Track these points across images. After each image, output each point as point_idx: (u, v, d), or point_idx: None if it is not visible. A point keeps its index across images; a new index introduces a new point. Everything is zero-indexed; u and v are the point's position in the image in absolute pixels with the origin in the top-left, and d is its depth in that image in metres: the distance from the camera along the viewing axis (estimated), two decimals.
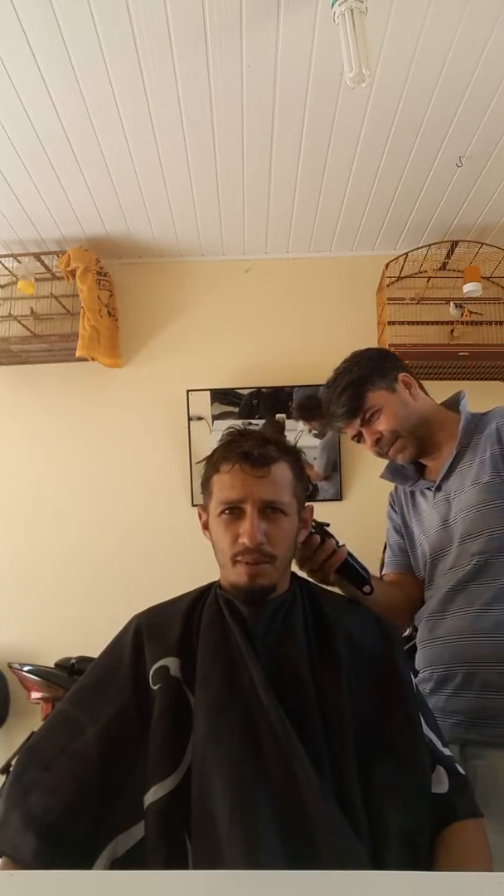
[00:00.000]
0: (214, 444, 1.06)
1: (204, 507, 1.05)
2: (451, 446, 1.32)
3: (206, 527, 1.05)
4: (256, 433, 1.04)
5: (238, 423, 2.68)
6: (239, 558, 0.95)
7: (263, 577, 0.95)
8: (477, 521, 1.23)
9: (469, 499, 1.26)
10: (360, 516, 2.60)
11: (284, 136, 2.06)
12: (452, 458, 1.31)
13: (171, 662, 0.93)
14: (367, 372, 1.31)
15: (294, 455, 1.03)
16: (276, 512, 0.97)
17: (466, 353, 2.53)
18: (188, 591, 1.10)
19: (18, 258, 2.68)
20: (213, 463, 1.01)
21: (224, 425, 2.68)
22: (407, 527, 1.43)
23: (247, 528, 0.94)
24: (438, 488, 1.32)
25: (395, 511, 1.47)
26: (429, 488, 1.35)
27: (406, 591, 1.37)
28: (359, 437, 1.34)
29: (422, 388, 1.37)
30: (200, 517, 1.07)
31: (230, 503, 0.96)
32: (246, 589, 0.95)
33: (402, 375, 1.34)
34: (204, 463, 1.06)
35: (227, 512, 0.97)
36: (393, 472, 1.43)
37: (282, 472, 0.99)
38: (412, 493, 1.42)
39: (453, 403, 1.40)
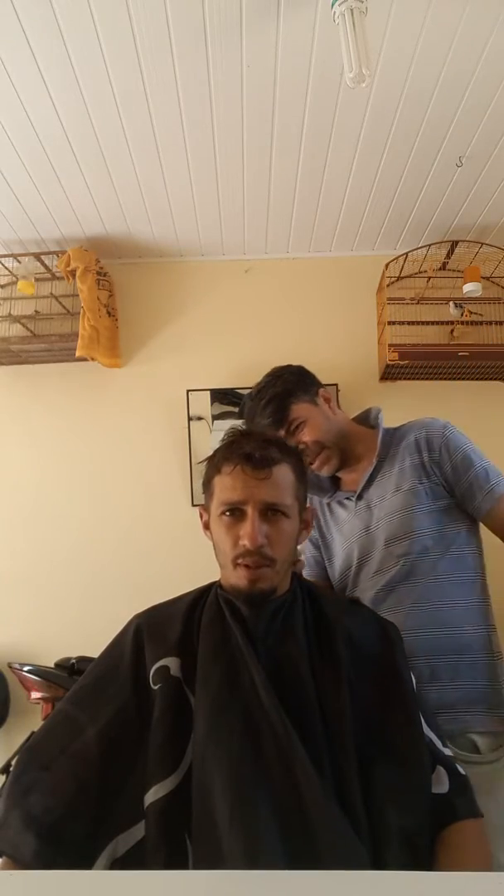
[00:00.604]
0: (215, 445, 1.07)
1: (205, 508, 1.05)
2: (371, 458, 1.39)
3: (206, 527, 1.05)
4: (258, 434, 1.04)
5: (238, 423, 2.68)
6: (240, 561, 0.95)
7: (264, 580, 0.95)
8: (401, 524, 1.30)
9: (392, 505, 1.32)
10: None
11: (284, 136, 2.06)
12: (373, 469, 1.38)
13: (171, 662, 0.93)
14: (290, 385, 1.38)
15: (296, 457, 1.03)
16: (277, 514, 0.97)
17: (466, 353, 2.52)
18: (188, 591, 1.10)
19: (18, 258, 2.68)
20: (214, 463, 1.01)
21: (224, 425, 2.67)
22: (324, 538, 1.48)
23: (248, 529, 0.94)
24: (360, 497, 1.39)
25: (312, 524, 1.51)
26: (348, 498, 1.41)
27: None
28: None
29: (338, 404, 1.46)
30: (202, 517, 1.07)
31: (231, 504, 0.96)
32: (246, 592, 0.95)
33: (322, 391, 1.42)
34: (205, 463, 1.06)
35: (227, 513, 0.97)
36: (311, 486, 1.46)
37: (283, 473, 0.99)
38: (329, 505, 1.48)
39: (364, 419, 1.51)
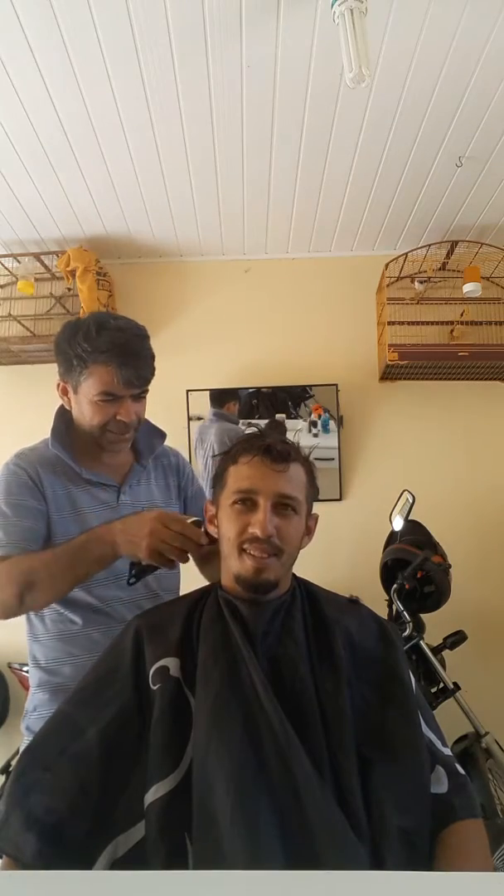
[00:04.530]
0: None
1: (212, 501, 1.05)
2: (127, 453, 1.36)
3: (211, 521, 1.05)
4: (277, 435, 1.05)
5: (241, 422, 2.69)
6: (246, 547, 0.96)
7: (269, 571, 0.95)
8: None
9: None
10: (360, 516, 2.61)
11: (284, 137, 2.06)
12: (135, 468, 1.36)
13: (171, 663, 0.93)
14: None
15: (310, 463, 1.05)
16: (287, 508, 0.98)
17: (466, 353, 2.53)
18: (188, 591, 1.10)
19: (18, 258, 2.68)
20: (231, 455, 1.02)
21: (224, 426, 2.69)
22: (49, 519, 1.25)
23: (259, 517, 0.94)
24: (123, 492, 1.32)
25: (40, 493, 1.25)
26: (105, 484, 1.30)
27: None
28: (110, 399, 1.22)
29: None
30: (207, 511, 1.07)
31: (245, 493, 0.97)
32: (251, 581, 0.95)
33: None
34: (219, 458, 1.06)
35: (239, 502, 0.97)
36: (63, 448, 1.28)
37: (298, 472, 1.00)
38: (67, 485, 1.27)
39: None
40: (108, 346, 1.20)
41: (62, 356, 1.25)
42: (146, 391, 1.29)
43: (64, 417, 1.32)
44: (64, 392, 1.28)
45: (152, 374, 1.29)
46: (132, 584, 1.15)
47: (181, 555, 1.09)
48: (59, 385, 1.29)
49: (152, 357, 1.29)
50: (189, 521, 1.09)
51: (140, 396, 1.27)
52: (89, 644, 1.23)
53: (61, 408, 1.32)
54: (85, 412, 1.24)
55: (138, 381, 1.24)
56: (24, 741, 1.24)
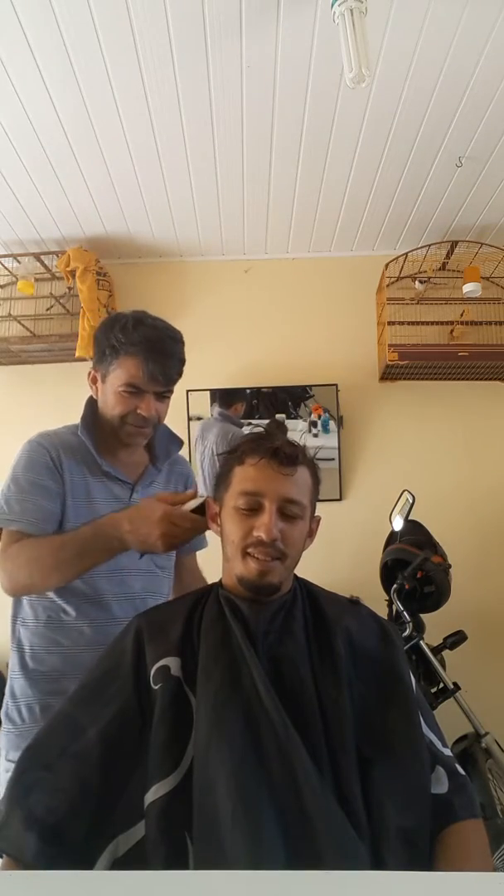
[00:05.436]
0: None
1: (215, 499, 1.05)
2: (143, 453, 1.39)
3: (213, 519, 1.05)
4: (283, 436, 1.05)
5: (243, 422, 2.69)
6: (250, 550, 0.95)
7: (273, 574, 0.95)
8: None
9: None
10: (360, 516, 2.61)
11: (284, 136, 2.06)
12: (149, 469, 1.38)
13: (171, 662, 0.93)
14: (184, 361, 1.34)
15: (315, 466, 1.05)
16: (292, 512, 0.97)
17: (466, 353, 2.53)
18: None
19: (18, 258, 2.68)
20: (237, 455, 1.01)
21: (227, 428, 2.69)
22: (64, 503, 1.27)
23: (265, 521, 0.94)
24: (133, 489, 1.34)
25: (59, 475, 1.27)
26: (121, 481, 1.33)
27: None
28: (134, 391, 1.25)
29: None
30: (210, 508, 1.07)
31: (251, 495, 0.96)
32: (254, 583, 0.95)
33: None
34: (223, 456, 1.06)
35: (244, 504, 0.97)
36: (70, 449, 1.30)
37: (305, 476, 1.00)
38: (85, 473, 1.30)
39: None
40: (140, 340, 1.24)
41: (97, 345, 1.30)
42: (170, 392, 1.31)
43: (91, 408, 1.36)
44: (94, 381, 1.33)
45: (178, 376, 1.31)
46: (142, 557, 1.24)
47: (193, 538, 1.17)
48: (90, 374, 1.34)
49: (181, 361, 1.31)
50: (191, 506, 1.12)
51: (164, 396, 1.30)
52: (78, 637, 1.24)
53: (90, 398, 1.37)
54: (108, 401, 1.29)
55: (163, 379, 1.26)
56: (4, 729, 1.24)
